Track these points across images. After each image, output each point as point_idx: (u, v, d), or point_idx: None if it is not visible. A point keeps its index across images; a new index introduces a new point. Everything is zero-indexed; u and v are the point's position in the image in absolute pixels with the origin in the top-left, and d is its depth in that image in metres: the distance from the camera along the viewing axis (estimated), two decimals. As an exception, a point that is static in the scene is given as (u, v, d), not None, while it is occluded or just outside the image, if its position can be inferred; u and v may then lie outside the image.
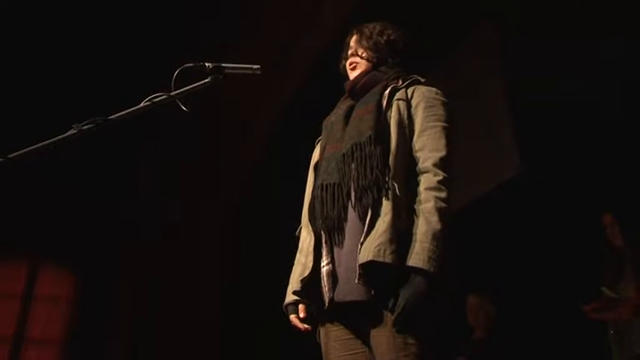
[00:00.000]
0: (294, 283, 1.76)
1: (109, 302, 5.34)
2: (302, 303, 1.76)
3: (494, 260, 4.08)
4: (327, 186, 1.70)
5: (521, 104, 4.55)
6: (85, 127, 1.43)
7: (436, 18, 4.49)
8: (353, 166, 1.66)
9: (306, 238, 1.79)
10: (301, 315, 1.76)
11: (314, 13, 4.93)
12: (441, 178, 1.61)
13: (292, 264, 1.83)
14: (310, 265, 1.69)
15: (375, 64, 1.89)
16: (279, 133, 5.48)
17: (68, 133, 1.42)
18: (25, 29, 4.40)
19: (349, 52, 1.95)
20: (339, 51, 2.03)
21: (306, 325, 1.75)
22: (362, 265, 1.53)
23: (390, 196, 1.58)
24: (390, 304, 1.53)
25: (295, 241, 1.88)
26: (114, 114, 1.51)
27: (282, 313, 1.81)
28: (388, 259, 1.51)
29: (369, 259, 1.52)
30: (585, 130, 4.04)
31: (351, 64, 1.93)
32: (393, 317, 1.52)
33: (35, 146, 1.36)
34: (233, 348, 5.08)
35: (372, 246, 1.53)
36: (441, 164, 1.63)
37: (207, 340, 5.32)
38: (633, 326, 3.09)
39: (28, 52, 4.45)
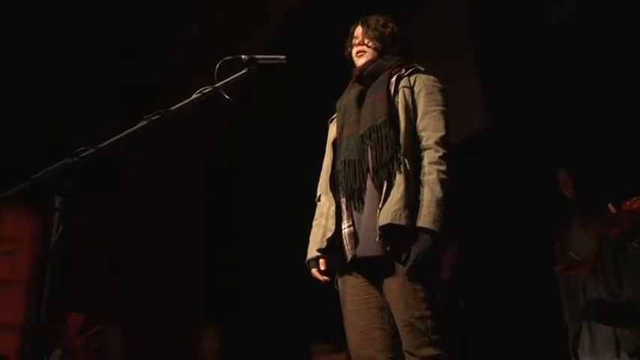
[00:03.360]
0: (317, 242, 2.10)
1: (75, 243, 5.32)
2: (322, 258, 2.11)
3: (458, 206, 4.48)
4: (348, 162, 2.03)
5: (486, 59, 4.87)
6: (153, 118, 1.70)
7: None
8: (370, 145, 1.99)
9: (325, 203, 2.12)
10: (322, 268, 2.11)
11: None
12: (441, 154, 1.96)
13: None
14: (333, 227, 2.04)
15: (380, 53, 2.19)
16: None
17: (140, 124, 1.69)
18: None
19: (355, 41, 2.25)
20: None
21: (325, 277, 2.12)
22: (382, 227, 1.89)
23: (402, 170, 1.93)
24: (403, 257, 1.89)
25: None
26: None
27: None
28: (403, 221, 1.86)
29: (388, 221, 1.87)
30: (548, 88, 4.40)
31: (358, 52, 2.22)
32: (405, 268, 1.88)
33: (118, 136, 1.63)
34: (212, 303, 5.22)
35: (389, 211, 1.88)
36: (441, 142, 1.98)
37: (182, 290, 5.43)
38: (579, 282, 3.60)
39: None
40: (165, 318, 4.63)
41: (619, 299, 3.35)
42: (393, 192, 1.91)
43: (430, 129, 2.01)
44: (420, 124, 2.03)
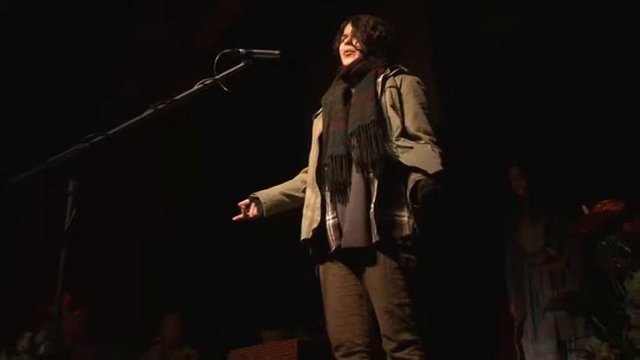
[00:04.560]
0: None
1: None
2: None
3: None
4: (335, 156, 2.13)
5: (443, 59, 5.04)
6: (159, 107, 1.74)
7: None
8: (359, 142, 2.09)
9: (311, 196, 2.21)
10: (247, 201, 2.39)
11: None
12: (440, 150, 2.09)
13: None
14: (318, 219, 2.13)
15: (366, 54, 2.30)
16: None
17: (147, 112, 1.73)
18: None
19: (344, 39, 2.34)
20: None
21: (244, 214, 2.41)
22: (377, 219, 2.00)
23: (397, 164, 2.04)
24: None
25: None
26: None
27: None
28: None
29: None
30: (500, 85, 4.61)
31: (346, 51, 2.32)
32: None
33: (126, 123, 1.67)
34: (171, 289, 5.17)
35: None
36: (437, 144, 2.11)
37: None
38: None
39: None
40: (124, 302, 4.60)
41: (561, 291, 3.62)
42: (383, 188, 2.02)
43: (423, 130, 2.14)
44: (413, 124, 2.14)
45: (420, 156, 2.05)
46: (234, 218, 2.44)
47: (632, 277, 2.40)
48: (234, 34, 5.13)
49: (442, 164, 2.01)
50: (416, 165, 2.02)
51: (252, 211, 2.39)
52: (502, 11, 4.78)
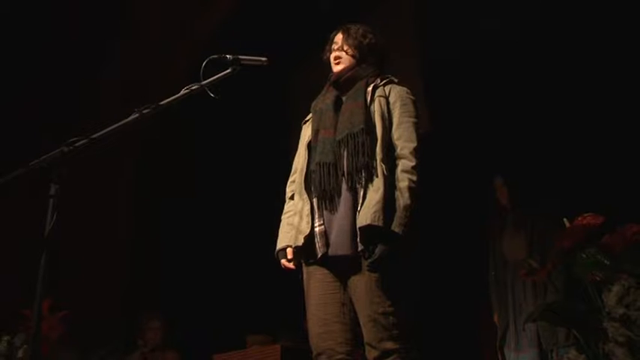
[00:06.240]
0: (287, 237, 2.23)
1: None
2: (289, 247, 2.22)
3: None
4: (323, 164, 2.14)
5: (430, 64, 5.05)
6: (144, 111, 1.74)
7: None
8: (346, 150, 2.11)
9: (298, 202, 2.23)
10: (289, 257, 2.23)
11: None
12: (414, 164, 2.10)
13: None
14: (309, 226, 2.14)
15: (357, 62, 2.31)
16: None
17: (132, 117, 1.73)
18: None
19: (334, 47, 2.36)
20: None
21: (292, 266, 2.23)
22: (361, 228, 2.01)
23: (380, 175, 2.06)
24: (367, 254, 2.03)
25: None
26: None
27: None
28: (380, 223, 2.00)
29: (368, 223, 2.00)
30: (483, 95, 4.62)
31: (335, 58, 2.34)
32: (367, 261, 2.02)
33: (110, 128, 1.66)
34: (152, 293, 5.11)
35: (369, 213, 2.01)
36: (415, 153, 2.12)
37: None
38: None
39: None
40: (105, 305, 4.57)
41: (543, 301, 3.64)
42: (370, 195, 2.04)
43: (404, 139, 2.14)
44: (395, 133, 2.16)
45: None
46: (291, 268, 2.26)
47: (610, 290, 2.42)
48: (222, 39, 5.14)
49: (401, 224, 1.99)
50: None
51: (291, 256, 2.25)
52: (486, 15, 4.75)
